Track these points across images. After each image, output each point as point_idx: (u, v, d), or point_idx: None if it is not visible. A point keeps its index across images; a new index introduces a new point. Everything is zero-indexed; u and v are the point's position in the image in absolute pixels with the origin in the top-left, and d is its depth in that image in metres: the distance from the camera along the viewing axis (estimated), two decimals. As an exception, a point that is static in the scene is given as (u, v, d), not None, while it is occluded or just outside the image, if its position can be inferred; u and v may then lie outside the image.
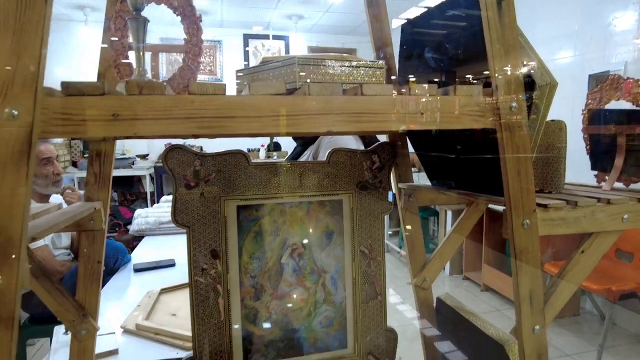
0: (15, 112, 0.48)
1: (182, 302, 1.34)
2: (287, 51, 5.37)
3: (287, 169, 0.95)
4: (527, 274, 0.70)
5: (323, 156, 1.54)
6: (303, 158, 1.58)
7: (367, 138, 1.49)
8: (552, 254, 2.76)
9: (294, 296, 0.97)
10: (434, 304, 1.16)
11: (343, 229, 0.99)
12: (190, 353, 0.91)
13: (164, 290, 1.40)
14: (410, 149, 1.06)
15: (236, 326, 0.93)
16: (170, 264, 1.72)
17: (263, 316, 0.95)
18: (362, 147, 1.40)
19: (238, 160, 0.91)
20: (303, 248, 0.97)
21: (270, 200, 0.94)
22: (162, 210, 2.52)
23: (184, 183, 0.88)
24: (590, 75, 2.96)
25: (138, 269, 1.70)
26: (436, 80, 0.90)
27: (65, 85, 0.51)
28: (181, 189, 0.88)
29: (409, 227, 1.10)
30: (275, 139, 5.09)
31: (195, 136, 0.85)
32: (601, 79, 0.92)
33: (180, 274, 1.66)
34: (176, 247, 2.05)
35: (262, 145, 5.06)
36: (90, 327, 0.91)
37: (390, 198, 1.03)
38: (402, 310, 2.91)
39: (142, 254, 2.01)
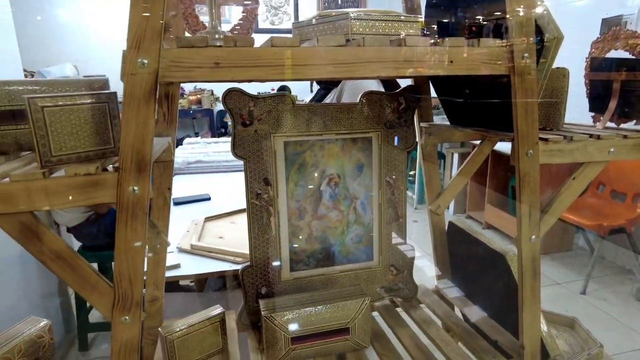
0: (145, 61, 0.63)
1: (225, 228, 1.54)
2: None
3: (325, 109, 1.10)
4: (528, 194, 0.87)
5: (347, 98, 1.68)
6: (327, 100, 1.71)
7: (387, 81, 1.62)
8: (551, 194, 2.95)
9: (331, 217, 1.16)
10: (446, 227, 1.35)
11: (372, 162, 1.16)
12: (247, 263, 1.12)
13: (208, 219, 1.60)
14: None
15: (284, 240, 1.12)
16: (207, 198, 1.91)
17: (305, 233, 1.15)
18: (382, 90, 1.53)
19: (284, 102, 1.06)
20: (338, 178, 1.15)
21: (311, 137, 1.10)
22: (187, 151, 2.69)
23: (240, 121, 1.03)
24: (603, 19, 2.98)
25: (177, 203, 1.90)
26: (444, 20, 1.02)
27: (178, 39, 0.65)
28: (239, 126, 1.04)
29: (427, 161, 1.27)
30: (284, 83, 5.11)
31: (250, 80, 1.00)
32: (613, 24, 1.04)
33: (215, 206, 1.86)
34: (205, 184, 2.24)
35: (272, 89, 5.12)
36: (163, 242, 1.11)
37: (396, 142, 1.18)
38: (405, 250, 3.15)
39: (175, 190, 2.20)
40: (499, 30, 0.88)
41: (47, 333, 1.05)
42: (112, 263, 1.64)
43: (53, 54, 4.30)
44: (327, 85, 1.75)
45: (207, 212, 1.74)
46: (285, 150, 1.08)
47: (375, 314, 1.25)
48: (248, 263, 1.11)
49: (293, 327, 0.99)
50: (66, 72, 3.62)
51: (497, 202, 3.52)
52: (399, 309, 1.28)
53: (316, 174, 1.13)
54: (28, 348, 0.95)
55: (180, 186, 2.29)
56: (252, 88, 1.05)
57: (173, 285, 1.57)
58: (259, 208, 1.08)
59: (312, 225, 1.15)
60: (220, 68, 0.66)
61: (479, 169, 1.33)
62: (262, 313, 0.99)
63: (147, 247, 1.11)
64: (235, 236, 1.47)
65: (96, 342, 2.10)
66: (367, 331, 1.06)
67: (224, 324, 1.03)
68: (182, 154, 2.62)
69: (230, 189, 2.12)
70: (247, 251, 1.32)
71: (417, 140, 1.23)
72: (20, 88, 0.84)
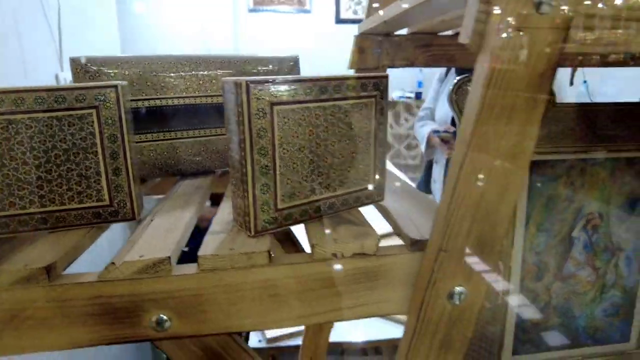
0: None
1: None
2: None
3: (596, 112, 0.69)
4: None
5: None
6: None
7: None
8: None
9: (580, 277, 0.76)
10: None
11: (652, 196, 0.75)
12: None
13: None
14: None
15: (512, 309, 0.74)
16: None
17: (542, 300, 0.75)
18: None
19: (539, 99, 0.66)
20: (600, 219, 0.74)
21: (570, 155, 0.70)
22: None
23: (474, 129, 0.65)
24: None
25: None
26: None
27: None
28: (470, 136, 0.66)
29: None
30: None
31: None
32: None
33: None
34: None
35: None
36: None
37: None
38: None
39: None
40: None
41: None
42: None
43: (129, 48, 4.11)
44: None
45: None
46: (531, 176, 0.69)
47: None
48: (454, 341, 0.74)
49: None
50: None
51: None
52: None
53: (569, 213, 0.73)
54: None
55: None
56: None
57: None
58: (483, 263, 0.70)
59: (553, 290, 0.75)
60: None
61: None
62: None
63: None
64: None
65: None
66: None
67: None
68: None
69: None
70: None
71: None
72: (166, 68, 0.51)
